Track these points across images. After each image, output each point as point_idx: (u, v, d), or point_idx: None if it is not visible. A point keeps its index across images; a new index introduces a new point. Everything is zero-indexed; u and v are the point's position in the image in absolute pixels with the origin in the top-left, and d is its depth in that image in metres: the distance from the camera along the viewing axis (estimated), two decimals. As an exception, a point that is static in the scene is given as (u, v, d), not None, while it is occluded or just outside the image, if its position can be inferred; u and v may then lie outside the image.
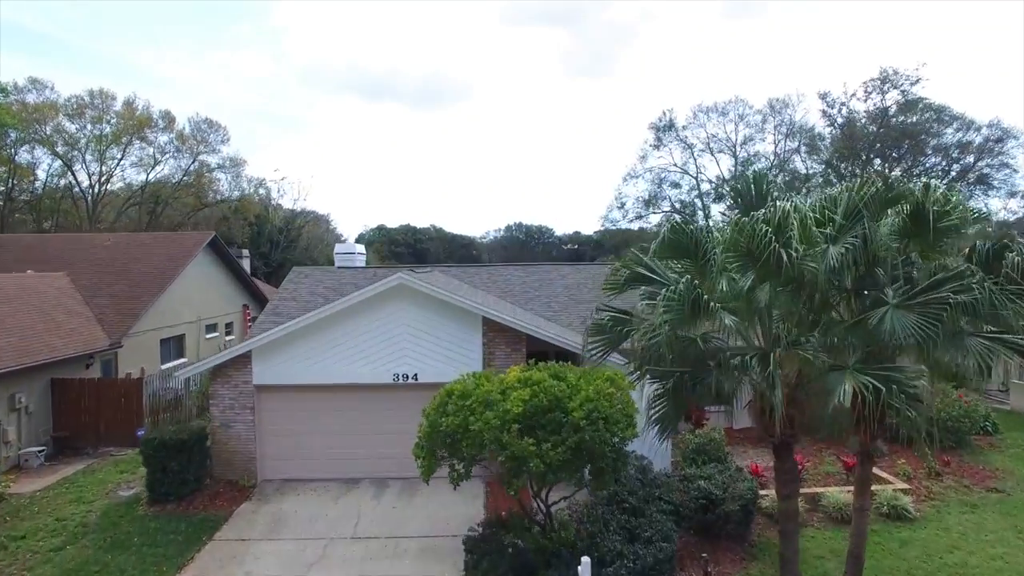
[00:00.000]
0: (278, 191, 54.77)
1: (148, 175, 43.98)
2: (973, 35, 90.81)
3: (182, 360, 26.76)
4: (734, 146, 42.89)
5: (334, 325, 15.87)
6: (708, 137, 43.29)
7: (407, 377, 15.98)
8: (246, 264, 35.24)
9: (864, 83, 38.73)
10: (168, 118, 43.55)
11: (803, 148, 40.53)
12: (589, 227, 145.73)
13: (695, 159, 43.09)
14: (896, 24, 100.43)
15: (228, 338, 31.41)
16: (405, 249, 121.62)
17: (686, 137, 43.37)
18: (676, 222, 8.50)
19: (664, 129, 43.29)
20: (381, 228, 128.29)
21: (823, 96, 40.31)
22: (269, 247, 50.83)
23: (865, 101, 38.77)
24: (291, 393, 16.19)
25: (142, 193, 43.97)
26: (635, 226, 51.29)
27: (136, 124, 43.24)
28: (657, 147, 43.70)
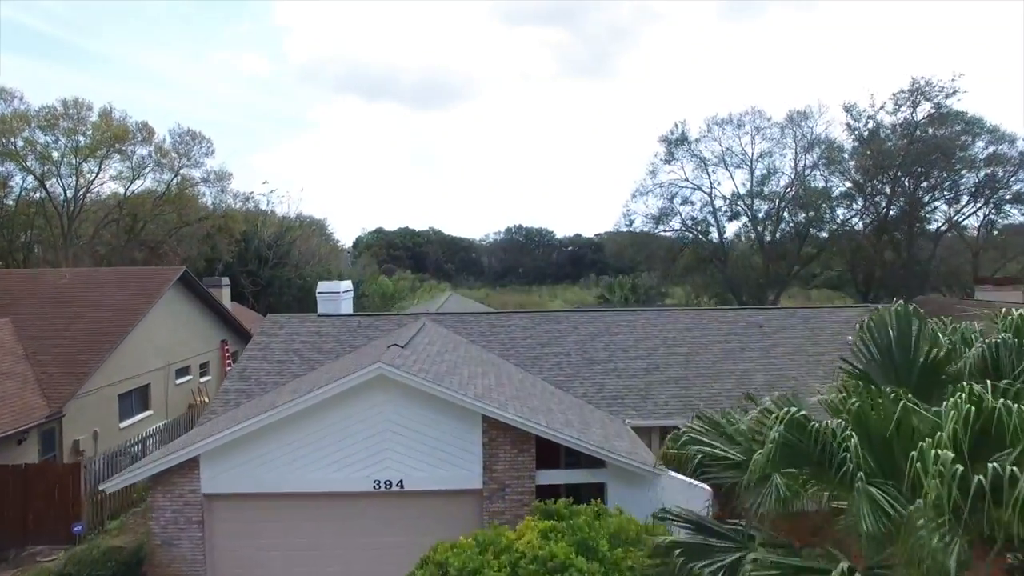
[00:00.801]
0: (267, 204, 51.43)
1: (126, 190, 40.69)
2: (1010, 37, 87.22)
3: (147, 413, 23.59)
4: (750, 160, 39.66)
5: (301, 421, 12.70)
6: (723, 151, 40.06)
7: (390, 484, 12.83)
8: (226, 293, 31.98)
9: (893, 95, 35.57)
10: (147, 130, 40.19)
11: (822, 162, 37.26)
12: (590, 229, 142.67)
13: (708, 173, 39.87)
14: (926, 25, 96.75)
15: (204, 379, 28.23)
16: (403, 253, 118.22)
17: (699, 151, 40.13)
18: (797, 417, 5.28)
19: (676, 143, 39.96)
20: (379, 231, 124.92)
21: (848, 108, 37.08)
22: (257, 263, 47.59)
23: (894, 114, 35.60)
24: (248, 503, 13.03)
25: (120, 210, 40.64)
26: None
27: (112, 136, 39.92)
28: (668, 161, 40.45)
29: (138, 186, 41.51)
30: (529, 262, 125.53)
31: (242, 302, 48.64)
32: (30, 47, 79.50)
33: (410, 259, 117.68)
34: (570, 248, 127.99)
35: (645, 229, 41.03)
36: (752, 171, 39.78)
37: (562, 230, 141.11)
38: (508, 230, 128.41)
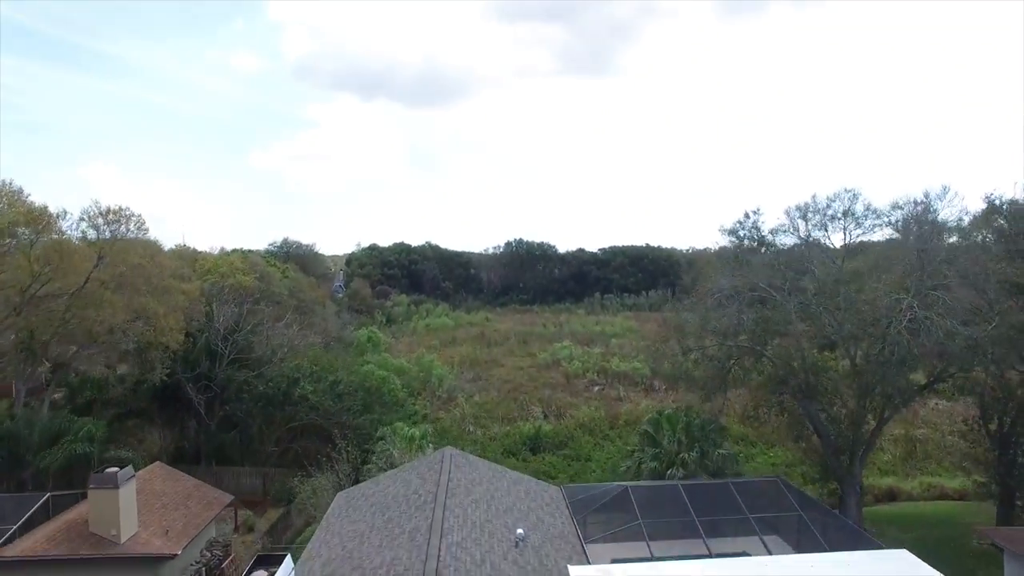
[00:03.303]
0: (221, 285, 40.02)
1: (24, 294, 29.36)
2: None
3: None
4: (841, 258, 28.72)
5: None
6: (806, 241, 29.05)
7: None
8: (131, 511, 20.91)
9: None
10: (42, 217, 28.84)
11: (951, 271, 26.19)
12: (593, 243, 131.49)
13: (785, 274, 28.84)
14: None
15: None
16: (399, 271, 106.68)
17: (772, 242, 29.14)
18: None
19: (746, 240, 28.84)
20: (373, 248, 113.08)
21: (998, 207, 25.90)
22: (209, 362, 36.59)
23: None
24: None
25: (16, 315, 29.39)
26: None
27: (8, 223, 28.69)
28: (735, 262, 29.28)
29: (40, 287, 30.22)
30: (530, 278, 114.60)
31: (189, 413, 37.82)
32: (27, 46, 68.07)
33: (406, 278, 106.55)
34: (572, 263, 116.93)
35: (702, 348, 29.81)
36: (842, 269, 28.91)
37: (564, 244, 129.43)
38: (508, 244, 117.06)
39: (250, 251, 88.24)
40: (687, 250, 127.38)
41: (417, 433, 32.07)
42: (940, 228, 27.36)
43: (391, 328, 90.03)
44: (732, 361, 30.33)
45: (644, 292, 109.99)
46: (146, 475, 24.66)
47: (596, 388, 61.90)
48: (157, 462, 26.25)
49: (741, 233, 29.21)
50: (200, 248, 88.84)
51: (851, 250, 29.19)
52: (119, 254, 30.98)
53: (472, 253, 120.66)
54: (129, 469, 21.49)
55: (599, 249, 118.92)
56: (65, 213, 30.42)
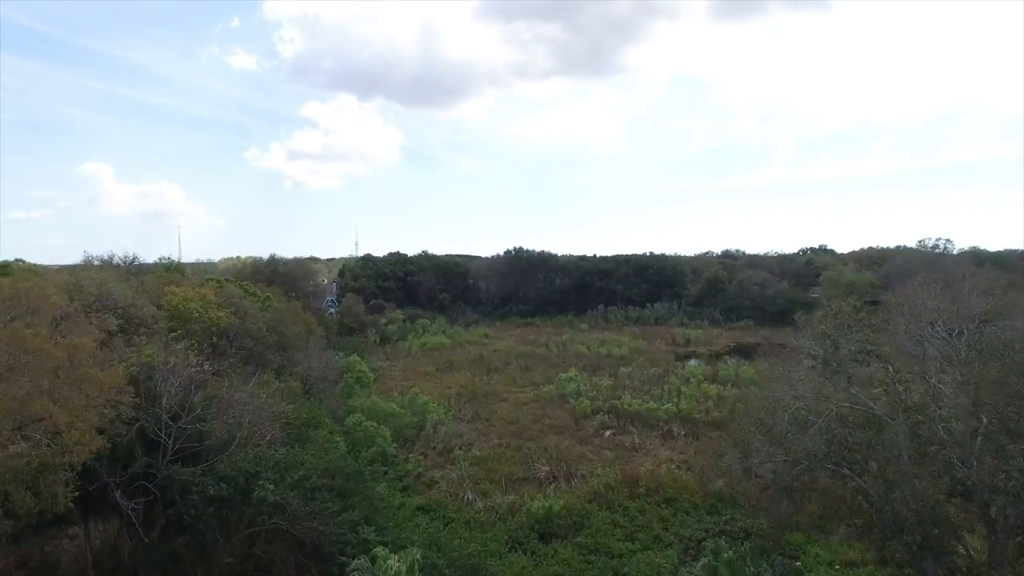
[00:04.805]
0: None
1: None
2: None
3: None
4: (965, 348, 20.69)
5: None
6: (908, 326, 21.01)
7: None
8: None
9: None
10: None
11: None
12: (595, 250, 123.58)
13: (895, 388, 20.76)
14: None
15: None
16: (394, 283, 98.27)
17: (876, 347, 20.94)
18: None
19: (837, 346, 20.30)
20: (367, 258, 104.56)
21: None
22: (147, 456, 28.36)
23: None
24: None
25: None
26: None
27: None
28: (825, 360, 21.15)
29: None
30: (530, 288, 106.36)
31: (121, 521, 29.51)
32: (27, 46, 59.85)
33: (401, 290, 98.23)
34: (574, 272, 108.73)
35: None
36: (966, 353, 20.88)
37: (564, 251, 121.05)
38: (508, 252, 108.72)
39: (236, 263, 79.62)
40: (692, 256, 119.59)
41: (403, 568, 24.01)
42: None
43: (385, 348, 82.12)
44: (807, 479, 22.42)
45: (649, 304, 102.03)
46: None
47: (607, 433, 54.18)
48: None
49: (830, 335, 20.87)
50: (187, 259, 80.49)
51: (973, 344, 21.02)
52: (12, 337, 22.61)
53: (470, 257, 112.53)
54: None
55: (601, 258, 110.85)
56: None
